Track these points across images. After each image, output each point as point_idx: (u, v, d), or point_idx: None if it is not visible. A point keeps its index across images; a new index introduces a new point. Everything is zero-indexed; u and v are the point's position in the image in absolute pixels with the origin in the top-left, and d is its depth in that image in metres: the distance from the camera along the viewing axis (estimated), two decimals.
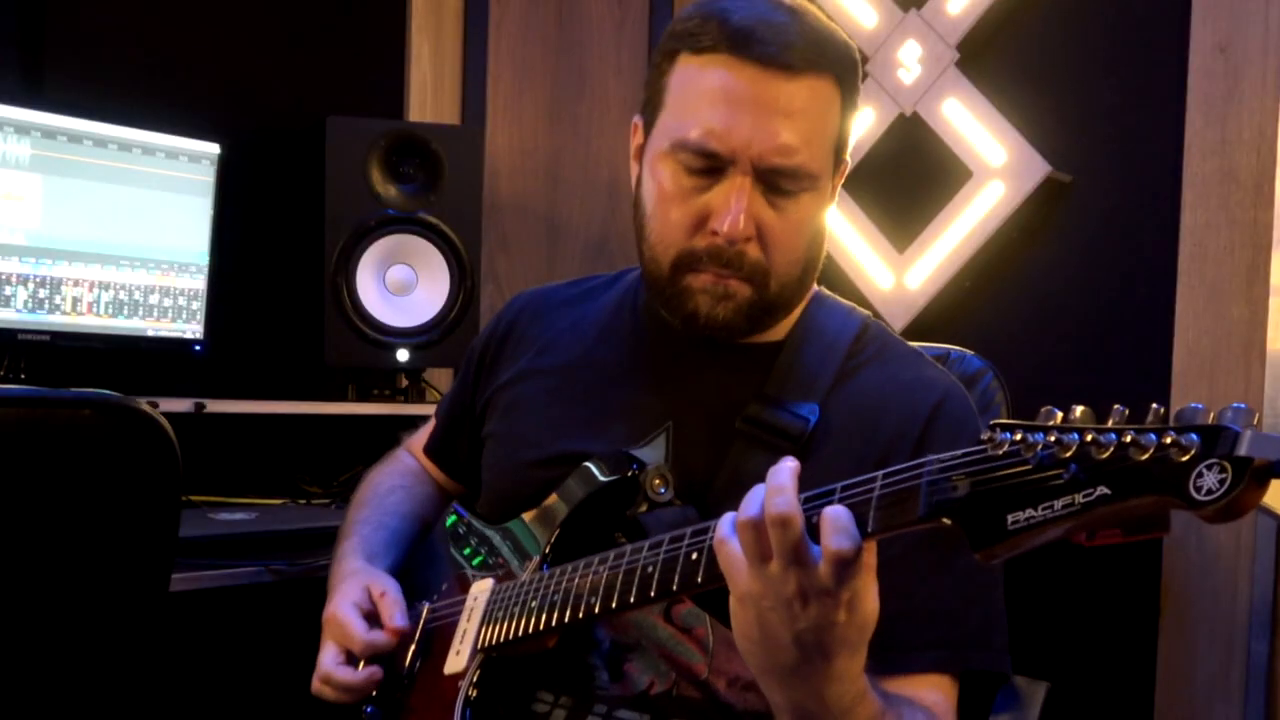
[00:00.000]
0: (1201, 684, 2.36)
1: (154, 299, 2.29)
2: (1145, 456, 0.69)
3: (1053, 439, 0.73)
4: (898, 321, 2.70)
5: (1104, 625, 2.40)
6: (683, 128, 1.12)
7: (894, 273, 2.76)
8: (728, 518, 0.90)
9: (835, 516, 0.84)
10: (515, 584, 1.16)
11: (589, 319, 1.34)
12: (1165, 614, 2.40)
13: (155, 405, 1.38)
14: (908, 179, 2.77)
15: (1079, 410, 0.74)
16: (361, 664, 1.23)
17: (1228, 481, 0.66)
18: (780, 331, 1.23)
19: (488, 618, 1.17)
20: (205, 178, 2.34)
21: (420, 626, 1.27)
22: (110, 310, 2.23)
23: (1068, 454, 0.72)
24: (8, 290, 2.11)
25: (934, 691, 1.07)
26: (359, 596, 1.26)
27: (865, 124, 2.81)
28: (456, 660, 1.18)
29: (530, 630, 1.10)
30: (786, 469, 0.87)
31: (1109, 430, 0.71)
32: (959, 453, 0.80)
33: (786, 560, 0.84)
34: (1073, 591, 2.31)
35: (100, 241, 2.22)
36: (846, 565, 0.83)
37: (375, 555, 1.35)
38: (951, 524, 0.79)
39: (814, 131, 1.12)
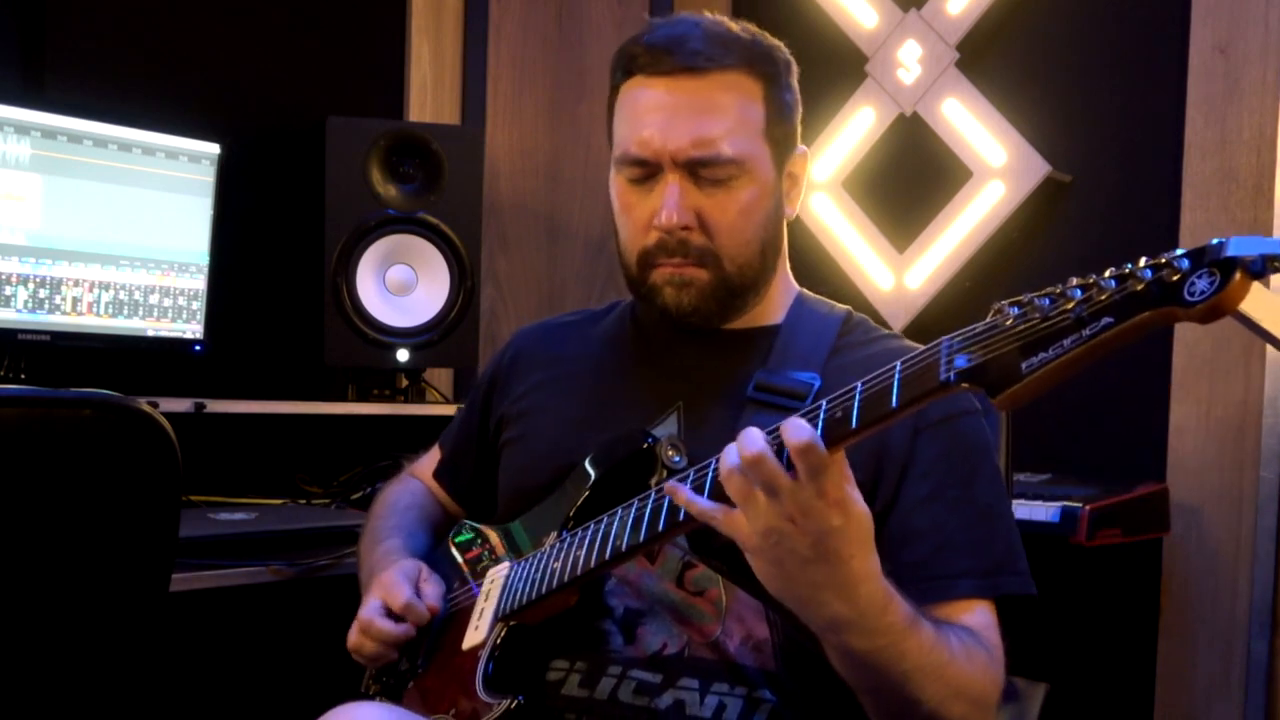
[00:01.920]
0: (1201, 684, 2.36)
1: (154, 299, 2.29)
2: (1143, 285, 0.77)
3: (1058, 292, 0.82)
4: (898, 321, 2.70)
5: (1104, 625, 2.41)
6: (620, 146, 1.28)
7: (894, 273, 2.76)
8: (686, 493, 1.00)
9: (790, 425, 0.93)
10: (538, 553, 1.22)
11: (592, 335, 1.44)
12: (1165, 614, 2.40)
13: (155, 405, 1.38)
14: (908, 179, 2.77)
15: (1073, 279, 0.82)
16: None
17: (1217, 281, 0.74)
18: (775, 317, 1.33)
19: (507, 590, 1.23)
20: (205, 178, 2.33)
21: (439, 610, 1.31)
22: (110, 310, 2.23)
23: (1071, 304, 0.81)
24: (8, 290, 2.11)
25: (975, 615, 1.14)
26: (411, 571, 1.33)
27: (865, 124, 2.81)
28: (475, 635, 1.22)
29: (554, 586, 1.15)
30: (752, 428, 0.95)
31: (1108, 278, 0.80)
32: (969, 328, 0.87)
33: (768, 489, 0.93)
34: (1073, 591, 2.31)
35: (100, 241, 2.21)
36: (815, 466, 0.91)
37: (415, 553, 1.41)
38: (969, 387, 0.86)
39: (732, 121, 1.23)
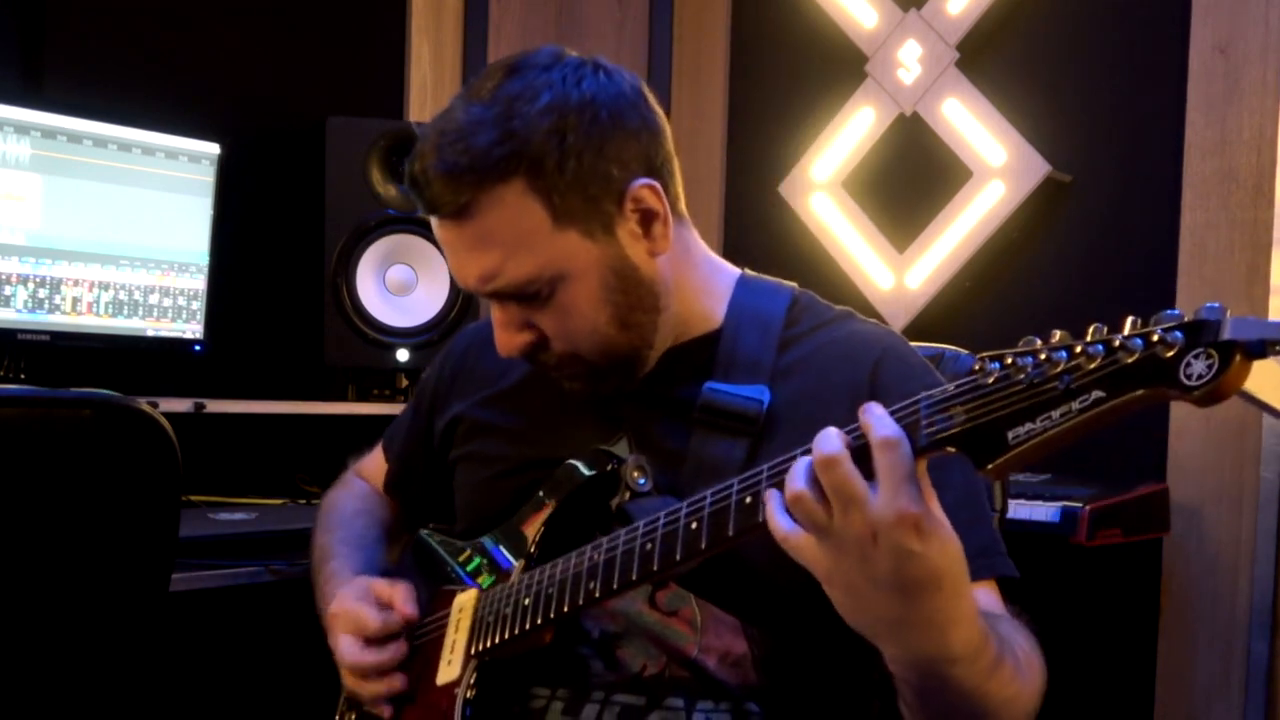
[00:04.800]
0: (1201, 684, 2.36)
1: (154, 299, 2.29)
2: (1134, 359, 0.74)
3: (1043, 358, 0.78)
4: (898, 321, 2.70)
5: (1104, 625, 2.41)
6: None
7: (894, 273, 2.76)
8: (775, 504, 0.90)
9: (870, 409, 0.86)
10: (504, 588, 1.17)
11: None
12: (1165, 614, 2.40)
13: (155, 405, 1.38)
14: (908, 179, 2.77)
15: (1057, 334, 0.78)
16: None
17: (1215, 365, 0.71)
18: (713, 321, 1.24)
19: (478, 625, 1.18)
20: (205, 178, 2.33)
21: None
22: (110, 310, 2.23)
23: (1058, 369, 0.77)
24: (8, 290, 2.11)
25: (982, 597, 1.08)
26: (364, 593, 1.27)
27: (865, 124, 2.81)
28: (449, 669, 1.18)
29: (528, 628, 1.11)
30: (830, 429, 0.88)
31: (1094, 343, 0.76)
32: (950, 386, 0.83)
33: (843, 499, 0.85)
34: (1073, 591, 2.31)
35: (100, 241, 2.21)
36: (900, 469, 0.84)
37: (366, 572, 1.35)
38: (955, 450, 0.83)
39: (506, 243, 1.12)
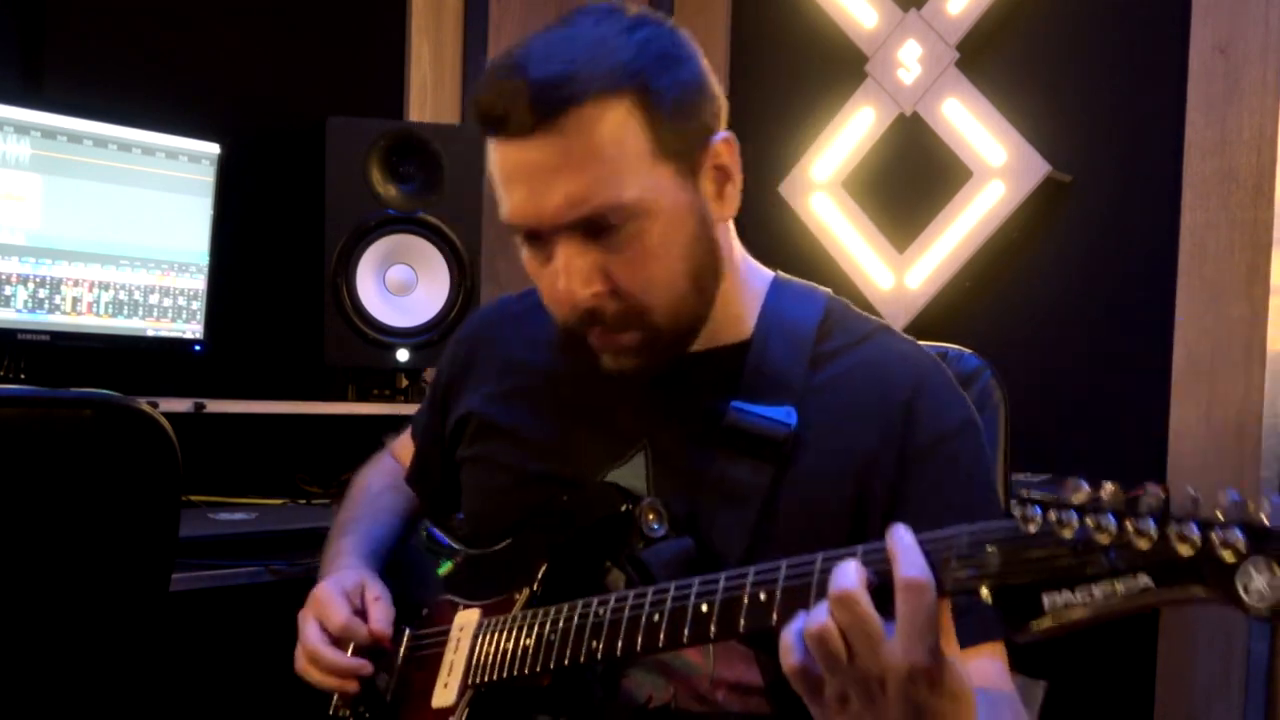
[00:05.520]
0: (1201, 684, 2.36)
1: (154, 299, 2.29)
2: (1190, 552, 0.69)
3: (1091, 523, 0.72)
4: (898, 322, 2.70)
5: (1104, 625, 2.40)
6: (502, 215, 1.10)
7: (894, 273, 2.76)
8: (792, 638, 0.85)
9: (900, 537, 0.81)
10: (506, 619, 1.13)
11: (542, 333, 1.26)
12: (1165, 614, 2.40)
13: (155, 405, 1.38)
14: (908, 179, 2.77)
15: (1109, 488, 0.73)
16: (352, 649, 1.20)
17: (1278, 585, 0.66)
18: (743, 330, 1.18)
19: (477, 651, 1.14)
20: (205, 178, 2.33)
21: (401, 653, 1.23)
22: (110, 310, 2.23)
23: (1105, 540, 0.72)
24: (8, 290, 2.11)
25: (983, 663, 1.05)
26: (351, 587, 1.23)
27: (865, 124, 2.81)
28: (445, 694, 1.14)
29: (526, 671, 1.07)
30: (849, 563, 0.83)
31: (1147, 516, 0.71)
32: (989, 526, 0.79)
33: (856, 638, 0.81)
34: None
35: (100, 241, 2.22)
36: (921, 615, 0.79)
37: (373, 553, 1.33)
38: (990, 601, 0.77)
39: (605, 163, 1.03)
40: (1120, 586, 0.71)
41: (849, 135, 2.83)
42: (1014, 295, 2.62)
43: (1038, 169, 2.55)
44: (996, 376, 1.47)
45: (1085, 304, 2.52)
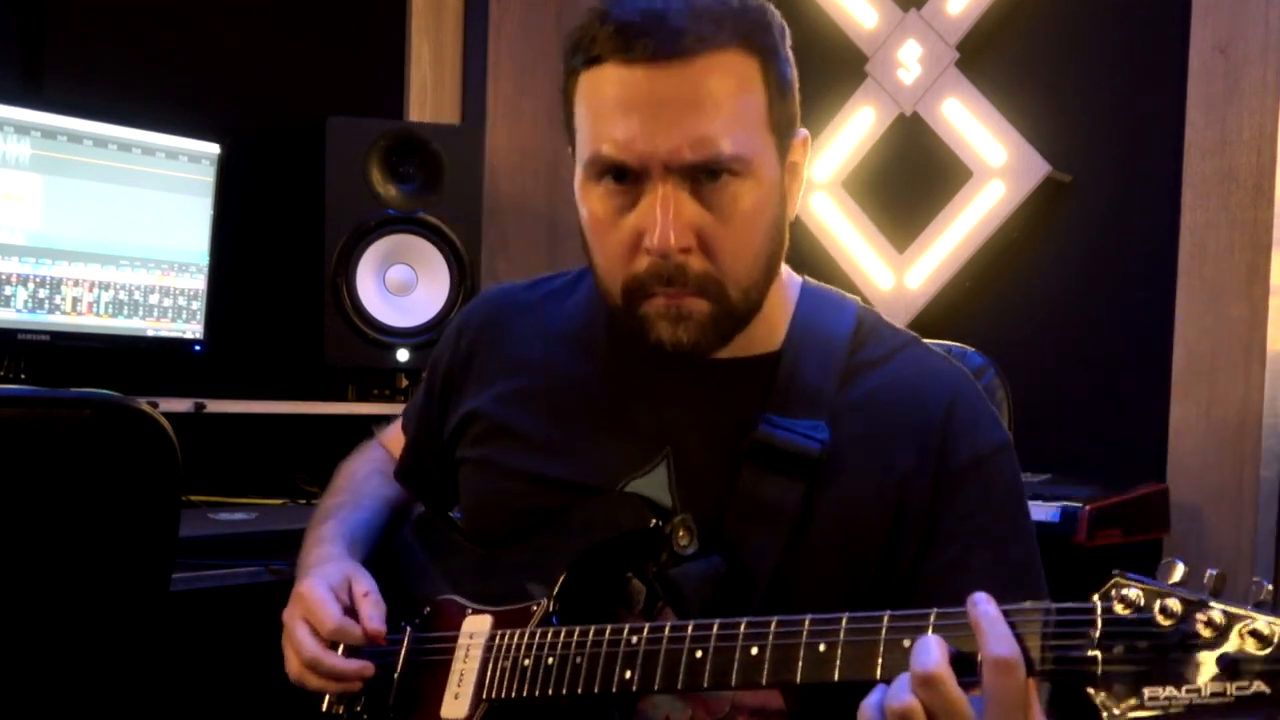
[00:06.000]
0: None
1: (154, 299, 2.29)
2: None
3: (1201, 619, 0.70)
4: (898, 322, 2.68)
5: None
6: (592, 149, 1.03)
7: (894, 273, 2.76)
8: (873, 711, 0.83)
9: (985, 611, 0.79)
10: (523, 633, 1.07)
11: (555, 330, 1.22)
12: None
13: (155, 405, 1.38)
14: (908, 179, 2.77)
15: (1210, 577, 0.71)
16: (342, 649, 1.14)
17: None
18: (774, 339, 1.13)
19: (491, 665, 1.08)
20: (205, 178, 2.33)
21: (404, 653, 1.17)
22: (110, 310, 2.23)
23: (1214, 636, 0.69)
24: (8, 290, 2.11)
25: None
26: (337, 582, 1.16)
27: (865, 124, 2.81)
28: (457, 705, 1.09)
29: (550, 694, 1.02)
30: (930, 637, 0.81)
31: (1257, 619, 0.68)
32: (1083, 606, 0.77)
33: (944, 717, 0.79)
34: (1073, 592, 2.30)
35: (100, 241, 2.22)
36: (1011, 695, 0.77)
37: (357, 541, 1.26)
38: (1093, 691, 0.74)
39: (731, 113, 1.01)
40: (1233, 689, 0.68)
41: (849, 135, 2.83)
42: (1014, 295, 2.62)
43: (1038, 169, 2.55)
44: (1000, 375, 1.48)
45: (1085, 304, 2.52)
